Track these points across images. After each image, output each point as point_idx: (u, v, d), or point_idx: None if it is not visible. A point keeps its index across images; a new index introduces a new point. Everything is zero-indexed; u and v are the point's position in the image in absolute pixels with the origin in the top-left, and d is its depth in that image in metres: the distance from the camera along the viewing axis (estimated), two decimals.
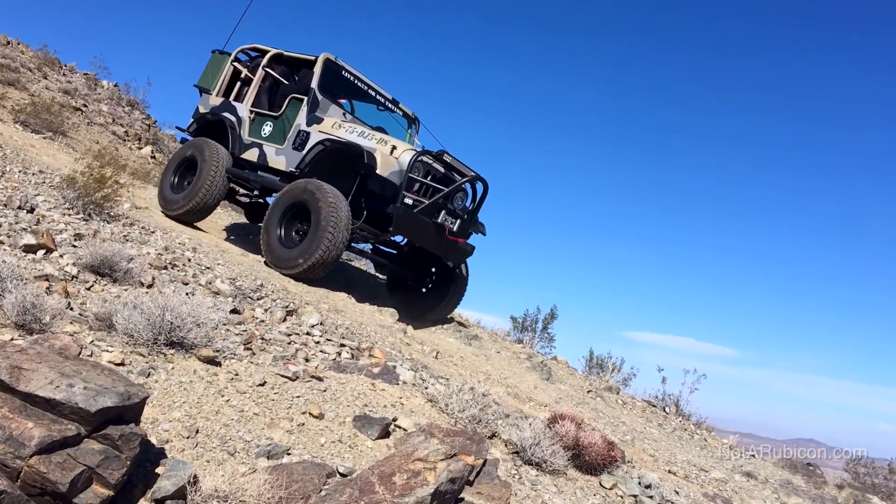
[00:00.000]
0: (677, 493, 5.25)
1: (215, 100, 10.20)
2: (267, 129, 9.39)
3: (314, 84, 9.18)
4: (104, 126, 14.30)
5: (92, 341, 4.03)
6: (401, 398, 4.76)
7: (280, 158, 9.09)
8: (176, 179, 9.78)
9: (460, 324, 9.72)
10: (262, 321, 5.50)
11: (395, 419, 4.35)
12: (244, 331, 5.09)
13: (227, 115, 9.92)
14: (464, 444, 3.89)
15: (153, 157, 14.73)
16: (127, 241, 6.45)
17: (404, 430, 4.29)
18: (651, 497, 4.93)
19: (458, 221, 8.78)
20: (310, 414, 4.06)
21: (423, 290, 9.79)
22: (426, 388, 5.17)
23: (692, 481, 6.27)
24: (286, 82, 9.77)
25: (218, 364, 4.27)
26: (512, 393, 7.28)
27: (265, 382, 4.23)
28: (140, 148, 14.97)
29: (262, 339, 5.06)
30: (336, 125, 8.77)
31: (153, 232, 7.23)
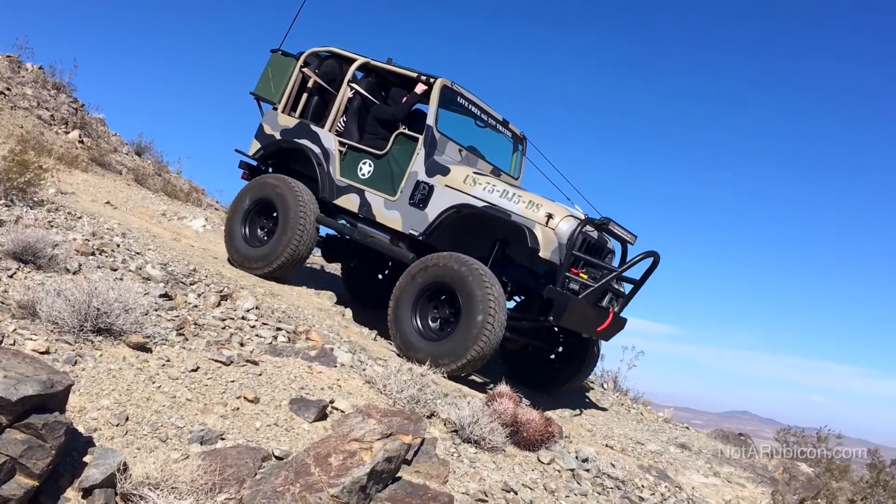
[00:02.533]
0: (613, 465, 5.35)
1: (286, 119, 8.16)
2: (365, 169, 7.56)
3: (431, 120, 7.33)
4: (28, 110, 13.81)
5: (15, 330, 3.90)
6: (338, 380, 4.73)
7: (392, 214, 7.34)
8: (247, 229, 7.91)
9: None
10: (196, 306, 5.40)
11: (332, 401, 4.33)
12: (176, 316, 4.99)
13: (307, 144, 7.91)
14: (401, 424, 3.89)
15: (81, 142, 14.30)
16: (52, 227, 6.26)
17: (342, 411, 4.27)
18: (588, 470, 5.01)
19: (621, 300, 7.34)
20: (245, 398, 4.01)
21: (552, 359, 8.10)
22: (364, 370, 5.15)
23: (628, 454, 6.40)
24: (376, 102, 8.00)
25: (149, 350, 4.17)
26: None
27: (198, 368, 4.15)
28: (67, 132, 14.51)
29: (196, 324, 4.97)
30: (469, 180, 7.11)
31: (80, 217, 7.03)
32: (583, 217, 6.81)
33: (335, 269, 10.61)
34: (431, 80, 7.51)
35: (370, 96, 8.00)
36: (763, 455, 8.53)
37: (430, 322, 6.72)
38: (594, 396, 8.96)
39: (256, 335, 5.21)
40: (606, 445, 6.46)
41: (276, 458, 3.44)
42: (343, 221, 7.68)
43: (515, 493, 4.14)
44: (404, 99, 7.66)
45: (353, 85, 8.01)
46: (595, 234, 6.97)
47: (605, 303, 7.12)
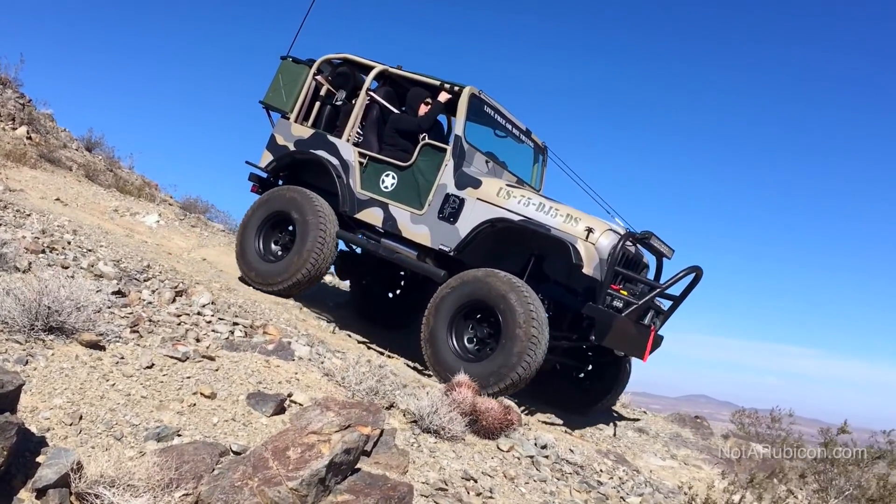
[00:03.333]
0: (572, 451, 5.42)
1: (300, 129, 7.88)
2: (388, 182, 7.29)
3: (460, 130, 7.09)
4: None
5: None
6: (296, 374, 4.71)
7: (420, 229, 7.07)
8: (261, 243, 7.63)
9: None
10: (150, 303, 5.34)
11: (290, 395, 4.31)
12: (130, 313, 4.92)
13: (325, 155, 7.61)
14: (360, 416, 3.89)
15: (29, 138, 13.98)
16: (0, 225, 6.12)
17: (300, 405, 4.25)
18: (547, 457, 5.07)
19: (661, 316, 7.13)
20: (201, 394, 3.97)
21: (581, 378, 7.83)
22: (322, 363, 5.14)
23: (587, 440, 6.49)
24: (395, 111, 7.78)
25: (102, 348, 4.11)
26: (412, 364, 7.33)
27: (153, 365, 4.10)
28: (14, 129, 14.17)
29: (150, 320, 4.91)
30: (503, 193, 6.88)
31: (29, 215, 6.89)
32: (623, 231, 6.61)
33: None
34: (456, 88, 7.31)
35: (389, 105, 7.79)
36: (719, 437, 8.70)
37: (465, 341, 6.52)
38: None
39: (213, 330, 5.17)
40: (565, 431, 6.54)
41: (234, 453, 3.42)
42: (361, 236, 7.42)
43: (475, 481, 4.18)
44: (427, 108, 7.45)
45: (372, 94, 7.79)
46: (633, 248, 6.75)
47: (646, 320, 6.91)
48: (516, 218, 6.68)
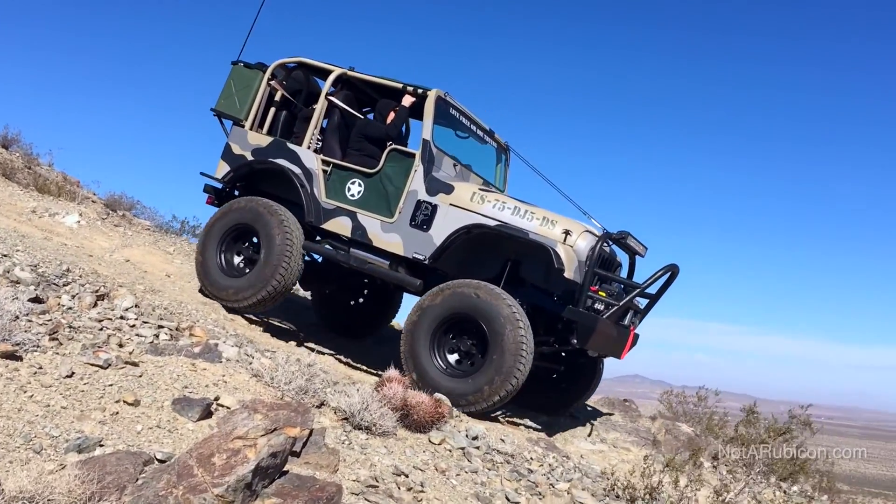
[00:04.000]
0: (503, 440, 5.51)
1: (258, 137, 7.53)
2: (355, 189, 7.06)
3: (428, 134, 6.91)
4: None
5: None
6: (223, 376, 4.67)
7: (392, 237, 6.87)
8: (223, 258, 7.29)
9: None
10: (70, 308, 5.19)
11: (217, 398, 4.28)
12: (49, 320, 4.78)
13: (286, 164, 7.31)
14: (288, 417, 3.88)
15: None
16: None
17: (227, 408, 4.22)
18: (478, 448, 5.14)
19: (639, 315, 7.12)
20: (124, 402, 3.91)
21: (555, 379, 7.58)
22: (251, 364, 5.10)
23: (518, 428, 6.58)
24: (361, 116, 7.61)
25: (19, 358, 4.00)
26: (344, 361, 7.33)
27: (73, 373, 4.01)
28: None
29: (70, 327, 4.78)
30: (477, 198, 6.75)
31: None
32: (600, 231, 6.62)
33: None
34: (420, 90, 7.15)
35: (351, 110, 7.57)
36: (647, 418, 8.93)
37: (447, 356, 6.42)
38: None
39: (136, 335, 5.07)
40: (497, 420, 6.63)
41: (159, 461, 3.38)
42: (329, 247, 7.19)
43: (406, 476, 4.21)
44: (393, 113, 7.28)
45: (333, 99, 7.49)
46: (607, 248, 6.69)
47: (627, 320, 6.90)
48: (492, 223, 6.58)
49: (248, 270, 7.20)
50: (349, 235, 7.04)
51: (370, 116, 7.71)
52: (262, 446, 3.19)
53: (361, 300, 8.73)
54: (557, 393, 7.53)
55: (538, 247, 6.37)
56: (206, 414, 4.07)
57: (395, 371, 5.47)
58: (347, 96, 7.66)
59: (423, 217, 6.76)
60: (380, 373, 6.09)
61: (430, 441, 4.98)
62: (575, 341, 6.38)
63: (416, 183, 6.84)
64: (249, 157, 7.50)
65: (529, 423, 6.83)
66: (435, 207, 6.75)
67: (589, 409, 8.46)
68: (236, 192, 7.78)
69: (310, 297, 9.31)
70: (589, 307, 6.38)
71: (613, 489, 4.76)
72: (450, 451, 4.96)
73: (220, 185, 7.70)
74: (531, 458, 5.38)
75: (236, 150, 7.57)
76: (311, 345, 7.23)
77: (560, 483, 4.97)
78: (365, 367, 7.17)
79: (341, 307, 8.69)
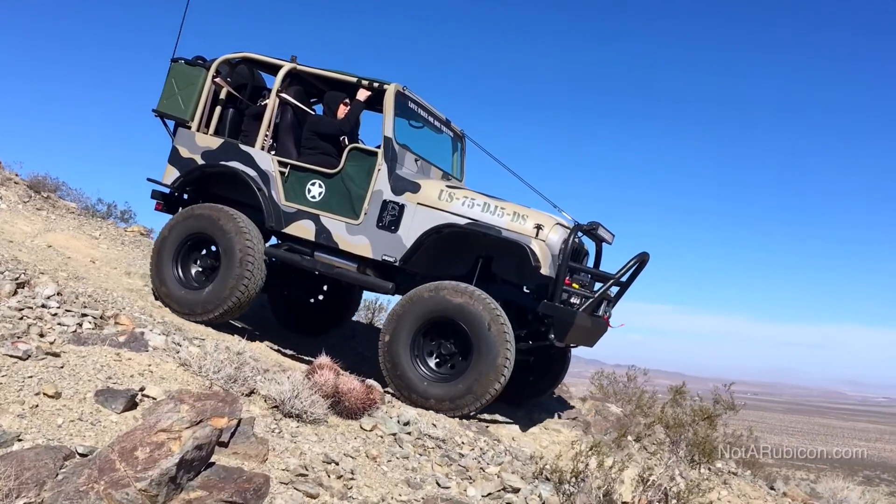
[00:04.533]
0: (434, 425, 5.53)
1: (207, 140, 7.22)
2: (315, 191, 6.84)
3: (390, 131, 6.72)
4: None
5: None
6: (150, 366, 4.58)
7: (358, 240, 6.69)
8: (180, 269, 6.99)
9: None
10: None
11: (142, 389, 4.20)
12: None
13: (240, 167, 7.01)
14: (216, 407, 3.85)
15: None
16: None
17: (153, 399, 4.15)
18: (409, 433, 5.16)
19: (611, 304, 7.03)
20: (44, 394, 3.81)
21: (524, 371, 7.21)
22: (178, 353, 5.01)
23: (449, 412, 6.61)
24: (313, 113, 7.31)
25: None
26: (276, 346, 7.26)
27: None
28: None
29: None
30: (445, 196, 6.61)
31: None
32: (571, 224, 6.56)
33: None
34: (375, 84, 6.94)
35: (304, 107, 7.33)
36: (578, 399, 9.09)
37: (431, 361, 6.31)
38: None
39: (58, 324, 4.93)
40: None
41: (80, 455, 3.31)
42: (291, 251, 6.95)
43: (337, 464, 4.21)
44: (346, 108, 7.07)
45: (285, 96, 7.22)
46: (577, 239, 6.58)
47: (601, 311, 6.86)
48: (463, 221, 6.46)
49: (206, 280, 6.93)
50: (313, 239, 6.82)
51: (319, 110, 7.50)
52: (187, 439, 3.15)
53: (321, 297, 8.56)
54: (527, 385, 7.43)
55: (512, 244, 6.33)
56: (131, 405, 4.00)
57: (327, 358, 5.43)
58: (298, 91, 7.41)
59: (390, 218, 6.60)
60: (311, 360, 6.06)
61: (361, 427, 4.98)
62: (552, 336, 6.34)
63: (380, 182, 6.67)
64: (200, 161, 7.18)
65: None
66: (402, 207, 6.59)
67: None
68: (185, 197, 7.51)
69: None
70: (564, 300, 6.34)
71: (542, 473, 4.84)
72: (381, 437, 4.97)
73: (168, 191, 7.40)
74: (462, 443, 5.42)
75: (184, 153, 7.24)
76: (271, 344, 7.13)
77: (491, 467, 5.03)
78: (296, 354, 7.12)
79: (300, 306, 8.51)
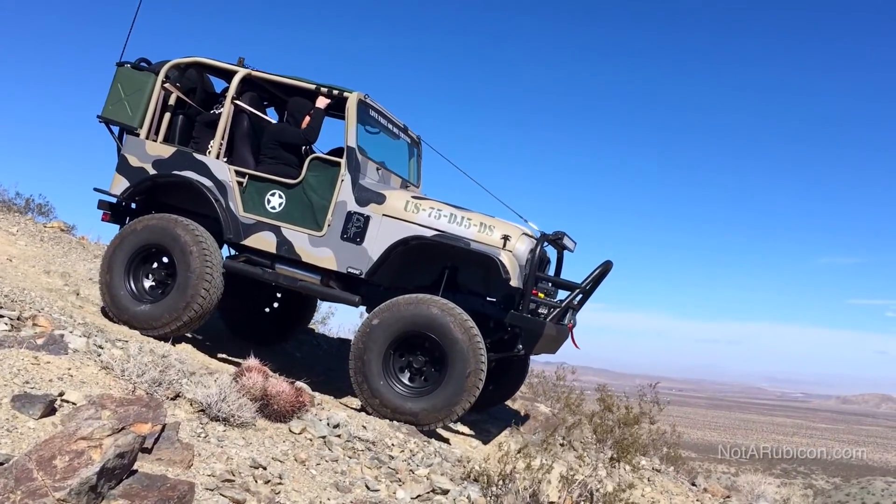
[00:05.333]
0: (365, 427, 5.51)
1: (158, 148, 6.91)
2: (275, 202, 6.66)
3: (353, 141, 6.59)
4: None
5: None
6: (69, 369, 4.44)
7: (322, 252, 6.54)
8: (132, 282, 6.68)
9: None
10: None
11: (61, 394, 4.06)
12: None
13: (194, 176, 6.76)
14: (139, 412, 3.76)
15: None
16: None
17: (73, 404, 4.02)
18: (339, 436, 5.12)
19: (573, 311, 6.97)
20: None
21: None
22: (100, 355, 4.87)
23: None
24: (272, 121, 7.10)
25: None
26: (203, 347, 7.13)
27: None
28: None
29: None
30: (411, 207, 6.53)
31: None
32: (537, 233, 6.58)
33: None
34: (335, 91, 6.81)
35: (261, 115, 7.08)
36: (508, 400, 9.17)
37: (398, 373, 6.22)
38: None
39: None
40: (361, 409, 6.63)
41: None
42: (249, 263, 6.74)
43: (265, 469, 4.16)
44: (308, 116, 6.85)
45: (240, 103, 6.97)
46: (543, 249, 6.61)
47: (567, 319, 6.85)
48: (429, 233, 6.39)
49: (161, 293, 6.69)
50: (274, 251, 6.64)
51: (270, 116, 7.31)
52: (109, 447, 3.07)
53: (275, 305, 8.35)
54: (487, 393, 7.06)
55: (482, 256, 6.29)
56: (50, 411, 3.86)
57: (255, 360, 5.36)
58: (252, 98, 7.19)
59: (355, 229, 6.48)
60: (239, 362, 5.97)
61: (290, 431, 4.93)
62: (521, 347, 6.41)
63: (344, 193, 6.54)
64: (151, 170, 6.88)
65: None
66: (367, 219, 6.49)
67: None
68: (133, 206, 7.19)
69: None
70: (531, 311, 6.36)
71: (470, 474, 4.87)
72: (310, 440, 4.92)
73: (109, 199, 7.08)
74: (392, 445, 5.42)
75: (134, 162, 6.91)
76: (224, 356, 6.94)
77: (420, 469, 5.04)
78: (225, 356, 7.00)
79: (253, 315, 8.25)
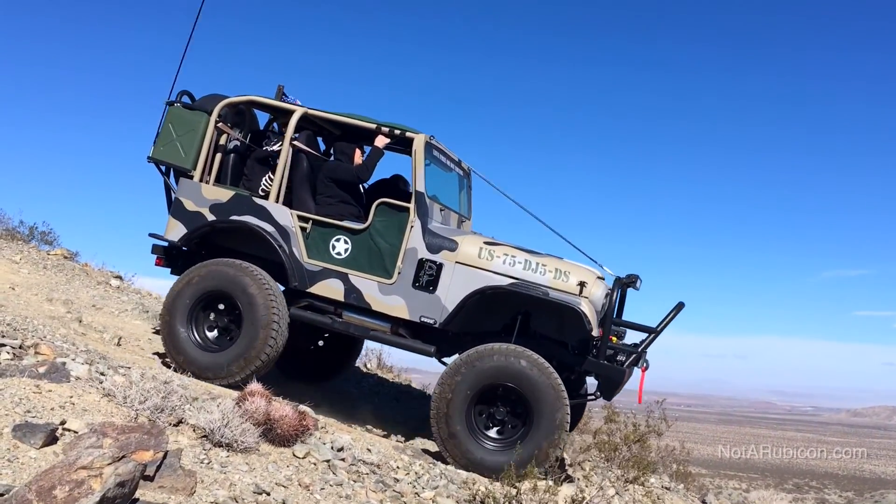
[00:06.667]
0: (369, 450, 5.48)
1: (214, 191, 6.72)
2: (340, 247, 6.50)
3: (421, 186, 6.42)
4: None
5: None
6: (71, 397, 4.42)
7: (393, 301, 6.37)
8: (195, 331, 6.54)
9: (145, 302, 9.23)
10: None
11: (63, 422, 4.03)
12: None
13: (255, 222, 6.58)
14: (141, 440, 3.74)
15: None
16: None
17: (75, 432, 3.99)
18: (343, 459, 5.08)
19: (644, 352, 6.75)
20: None
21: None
22: (102, 383, 4.84)
23: (387, 435, 6.58)
24: (327, 160, 6.96)
25: None
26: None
27: None
28: None
29: None
30: (485, 254, 6.35)
31: None
32: (609, 276, 6.51)
33: None
34: (397, 132, 6.67)
35: (318, 155, 6.97)
36: None
37: (490, 427, 6.07)
38: (356, 380, 9.09)
39: None
40: (366, 430, 6.60)
41: None
42: (316, 311, 6.60)
43: (268, 494, 4.12)
44: (359, 152, 6.79)
45: (299, 144, 6.82)
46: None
47: (641, 363, 6.64)
48: (506, 282, 6.23)
49: (227, 340, 6.55)
50: (342, 299, 6.48)
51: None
52: (109, 476, 3.04)
53: (321, 343, 8.16)
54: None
55: (561, 307, 6.16)
56: (51, 440, 3.84)
57: (258, 384, 5.33)
58: (310, 137, 7.07)
59: (427, 278, 6.32)
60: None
61: (294, 455, 4.89)
62: (598, 394, 6.42)
63: (414, 240, 6.38)
64: (209, 215, 6.69)
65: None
66: (440, 266, 6.32)
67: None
68: (184, 249, 7.00)
69: None
70: (614, 360, 6.28)
71: (476, 497, 4.82)
72: (314, 464, 4.88)
73: (161, 243, 6.95)
74: (398, 467, 5.38)
75: (189, 206, 6.72)
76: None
77: (426, 491, 5.00)
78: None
79: (300, 353, 7.93)
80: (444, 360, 6.63)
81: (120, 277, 10.43)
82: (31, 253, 9.39)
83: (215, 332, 6.63)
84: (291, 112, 6.80)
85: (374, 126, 6.74)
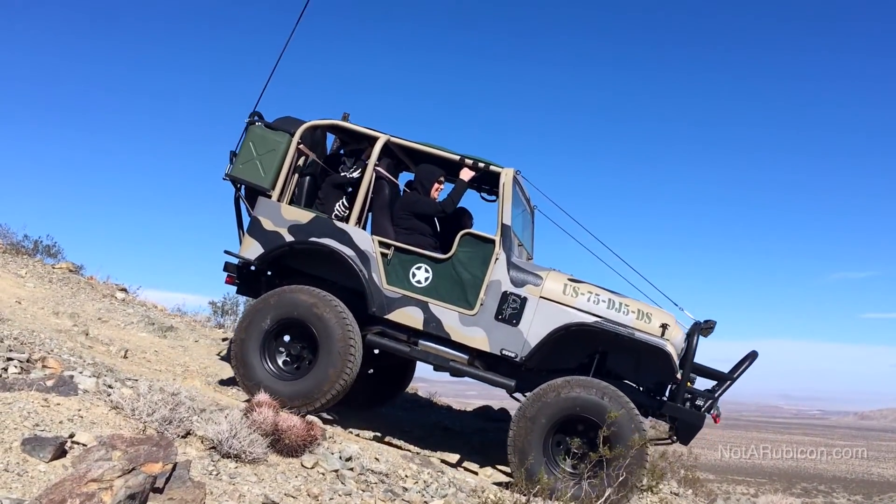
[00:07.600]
0: (377, 459, 5.47)
1: (294, 213, 6.69)
2: (421, 276, 6.47)
3: (508, 219, 6.43)
4: None
5: None
6: (79, 410, 4.42)
7: (474, 332, 6.32)
8: (268, 358, 6.48)
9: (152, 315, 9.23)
10: None
11: (72, 435, 4.04)
12: None
13: (335, 245, 6.54)
14: (150, 452, 3.74)
15: None
16: None
17: (83, 445, 3.99)
18: (352, 469, 5.08)
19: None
20: None
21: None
22: (110, 395, 4.85)
23: (395, 444, 6.57)
24: (408, 190, 6.92)
25: None
26: (212, 383, 7.10)
27: None
28: None
29: None
30: (570, 290, 6.33)
31: None
32: (688, 320, 6.50)
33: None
34: (482, 165, 6.65)
35: (398, 182, 6.93)
36: None
37: (566, 462, 6.00)
38: None
39: None
40: (374, 438, 6.59)
41: None
42: (377, 333, 6.56)
43: None
44: (438, 185, 6.80)
45: (382, 170, 6.78)
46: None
47: (713, 409, 6.59)
48: (590, 320, 6.21)
49: (297, 368, 6.53)
50: (421, 328, 6.43)
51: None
52: (119, 488, 3.05)
53: (372, 370, 7.99)
54: None
55: (650, 347, 6.13)
56: (60, 453, 3.84)
57: (265, 395, 5.33)
58: (390, 165, 7.02)
59: (511, 311, 6.30)
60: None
61: (302, 465, 4.89)
62: (675, 438, 6.40)
63: (498, 272, 6.36)
64: (287, 236, 6.64)
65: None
66: (524, 300, 6.30)
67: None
68: (252, 268, 6.93)
69: None
70: (693, 404, 6.32)
71: None
72: (323, 474, 4.88)
73: (233, 261, 6.88)
74: (406, 476, 5.37)
75: (268, 225, 6.66)
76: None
77: (435, 500, 4.98)
78: (235, 392, 6.97)
79: (357, 379, 7.61)
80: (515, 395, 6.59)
81: (125, 290, 10.45)
82: (36, 267, 9.41)
83: (286, 360, 6.59)
84: (372, 138, 6.79)
85: (457, 158, 6.73)
